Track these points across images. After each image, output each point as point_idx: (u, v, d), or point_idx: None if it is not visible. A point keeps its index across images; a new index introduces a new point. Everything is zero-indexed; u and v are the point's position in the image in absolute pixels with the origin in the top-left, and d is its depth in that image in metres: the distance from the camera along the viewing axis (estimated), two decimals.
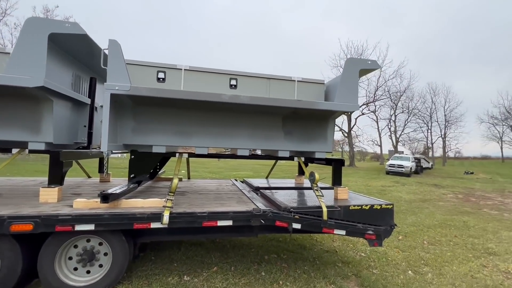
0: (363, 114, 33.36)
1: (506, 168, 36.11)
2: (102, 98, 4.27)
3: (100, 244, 2.62)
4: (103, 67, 2.74)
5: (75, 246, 2.57)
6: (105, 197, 2.48)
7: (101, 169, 4.35)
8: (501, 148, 44.50)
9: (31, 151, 2.91)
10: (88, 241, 2.61)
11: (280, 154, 3.44)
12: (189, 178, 5.09)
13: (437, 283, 3.22)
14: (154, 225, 2.50)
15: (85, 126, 3.54)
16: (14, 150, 2.98)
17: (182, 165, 3.38)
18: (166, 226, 2.47)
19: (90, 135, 3.58)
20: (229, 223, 2.70)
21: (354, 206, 3.11)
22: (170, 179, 4.65)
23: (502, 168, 36.20)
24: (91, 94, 3.61)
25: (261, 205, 3.04)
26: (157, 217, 2.49)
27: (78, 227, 2.35)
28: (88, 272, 2.58)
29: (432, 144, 44.68)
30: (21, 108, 2.74)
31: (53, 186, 2.81)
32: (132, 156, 3.19)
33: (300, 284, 2.94)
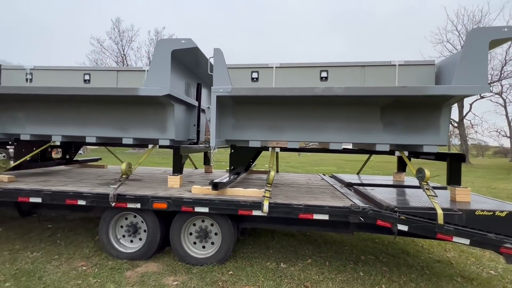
0: (482, 97, 26.38)
1: None
2: (207, 101, 4.92)
3: (212, 225, 3.08)
4: (210, 73, 3.18)
5: (194, 224, 3.12)
6: (215, 185, 2.89)
7: (206, 162, 5.07)
8: None
9: (160, 146, 3.68)
10: (203, 221, 3.11)
11: (378, 148, 3.16)
12: (277, 171, 5.31)
13: None
14: (255, 212, 2.75)
15: (194, 125, 4.20)
16: (149, 146, 3.85)
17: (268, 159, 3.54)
18: (265, 214, 2.68)
19: (198, 132, 4.23)
20: (325, 217, 2.69)
21: (483, 211, 2.53)
22: (262, 172, 5.00)
23: None
24: (198, 97, 4.25)
25: (358, 201, 2.88)
26: (258, 205, 2.73)
27: (197, 209, 2.83)
28: (203, 247, 3.09)
29: None
30: (153, 113, 3.49)
31: (176, 174, 3.48)
32: (232, 150, 3.58)
33: None
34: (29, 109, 3.70)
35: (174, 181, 3.44)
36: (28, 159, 4.02)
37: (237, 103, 3.33)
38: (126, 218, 3.20)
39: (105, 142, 3.88)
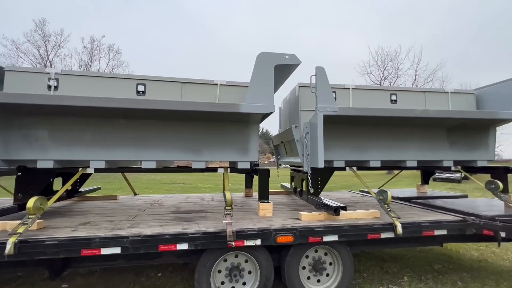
0: None
1: None
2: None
3: (326, 254, 2.80)
4: (312, 92, 3.04)
5: (307, 257, 2.75)
6: (336, 210, 2.69)
7: (248, 185, 4.51)
8: None
9: None
10: (315, 251, 2.80)
11: (445, 164, 3.54)
12: None
13: None
14: (383, 235, 2.66)
15: None
16: None
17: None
18: (400, 235, 2.60)
19: None
20: (443, 232, 2.78)
21: None
22: None
23: None
24: None
25: (448, 215, 3.09)
26: (388, 227, 2.66)
27: (326, 238, 2.56)
28: (318, 281, 2.76)
29: None
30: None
31: (266, 201, 3.06)
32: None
33: None
34: (54, 126, 2.67)
35: (266, 209, 3.02)
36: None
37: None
38: (226, 260, 2.61)
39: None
